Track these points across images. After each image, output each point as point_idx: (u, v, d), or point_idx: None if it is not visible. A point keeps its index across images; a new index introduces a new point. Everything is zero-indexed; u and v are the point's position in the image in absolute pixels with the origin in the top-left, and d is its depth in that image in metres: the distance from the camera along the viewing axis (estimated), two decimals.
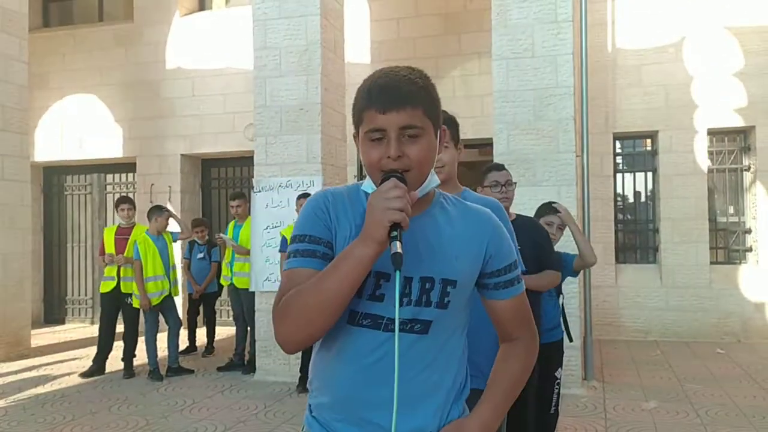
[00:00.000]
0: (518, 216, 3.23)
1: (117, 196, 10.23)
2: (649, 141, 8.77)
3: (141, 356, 6.70)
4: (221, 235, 7.10)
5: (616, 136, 8.72)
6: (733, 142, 8.49)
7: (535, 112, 5.88)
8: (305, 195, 5.97)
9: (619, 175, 8.88)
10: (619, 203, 8.90)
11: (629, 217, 8.96)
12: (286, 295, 1.25)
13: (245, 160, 9.07)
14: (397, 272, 1.16)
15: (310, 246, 1.30)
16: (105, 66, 10.04)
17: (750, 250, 8.26)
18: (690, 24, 8.22)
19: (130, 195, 9.97)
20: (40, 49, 10.02)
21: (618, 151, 8.86)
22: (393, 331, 1.25)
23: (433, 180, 1.36)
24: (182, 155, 9.71)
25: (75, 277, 10.58)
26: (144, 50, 9.91)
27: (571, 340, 3.95)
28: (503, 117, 5.95)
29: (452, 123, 2.34)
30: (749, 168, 8.28)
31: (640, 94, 8.44)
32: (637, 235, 8.88)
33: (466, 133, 8.53)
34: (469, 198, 2.39)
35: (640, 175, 8.89)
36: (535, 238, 3.15)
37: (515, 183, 3.38)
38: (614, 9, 8.60)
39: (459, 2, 8.79)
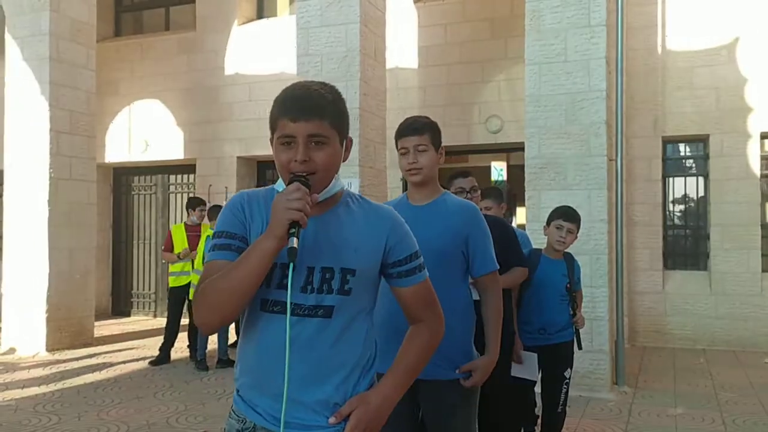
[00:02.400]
0: (486, 218, 3.34)
1: (179, 196, 10.84)
2: (700, 145, 8.57)
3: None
4: None
5: (666, 140, 8.56)
6: None
7: (567, 116, 5.91)
8: None
9: (669, 180, 8.71)
10: (668, 208, 8.73)
11: (678, 222, 8.78)
12: (203, 283, 1.46)
13: None
14: (291, 264, 1.35)
15: (226, 241, 1.50)
16: (169, 73, 10.63)
17: None
18: (742, 25, 8.00)
19: (191, 195, 10.56)
20: (112, 57, 10.72)
21: (668, 155, 8.70)
22: (300, 315, 1.46)
23: (338, 184, 1.55)
24: (238, 157, 10.17)
25: (140, 272, 11.22)
26: (205, 57, 10.44)
27: (580, 347, 3.99)
28: (535, 121, 6.02)
29: (432, 129, 2.51)
30: None
31: (690, 98, 8.27)
32: (686, 240, 8.69)
33: (510, 137, 8.65)
34: (449, 200, 2.57)
35: (690, 180, 8.70)
36: (499, 235, 3.23)
37: (480, 189, 3.43)
38: (664, 11, 8.46)
39: (506, 7, 8.84)
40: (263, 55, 10.04)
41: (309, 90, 1.48)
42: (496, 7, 8.92)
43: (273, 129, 1.50)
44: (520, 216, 10.17)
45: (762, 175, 8.06)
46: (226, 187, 10.09)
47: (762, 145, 8.07)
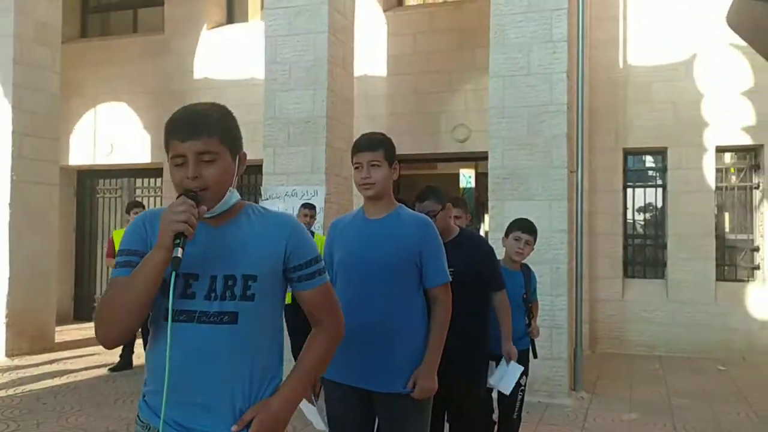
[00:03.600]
0: (461, 231, 3.41)
1: (146, 200, 10.75)
2: (659, 157, 8.82)
3: None
4: None
5: (627, 152, 8.79)
6: (743, 160, 8.50)
7: (530, 128, 6.05)
8: (308, 205, 6.26)
9: (629, 190, 8.95)
10: (628, 218, 8.96)
11: (638, 231, 9.01)
12: (101, 300, 1.53)
13: (260, 169, 9.43)
14: (173, 273, 1.44)
15: (127, 258, 1.57)
16: (136, 75, 10.54)
17: (757, 267, 8.25)
18: (700, 42, 8.26)
19: (158, 199, 10.50)
20: (78, 59, 10.58)
21: (629, 166, 8.94)
22: (207, 322, 1.54)
23: (234, 196, 1.62)
24: None
25: (104, 277, 11.09)
26: (173, 61, 10.38)
27: (535, 356, 4.10)
28: (498, 132, 6.15)
29: (386, 145, 2.57)
30: (758, 186, 8.27)
31: (650, 111, 8.51)
32: (645, 250, 8.93)
33: (477, 146, 8.78)
34: (403, 214, 2.64)
35: (650, 191, 8.96)
36: (476, 255, 3.31)
37: (448, 205, 3.44)
38: (626, 27, 8.69)
39: (473, 18, 8.97)
40: (233, 60, 10.04)
41: (195, 110, 1.57)
42: (463, 18, 9.06)
43: (166, 151, 1.57)
44: (488, 223, 10.33)
45: (717, 188, 8.33)
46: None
47: (717, 159, 8.34)
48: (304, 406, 2.70)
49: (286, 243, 1.65)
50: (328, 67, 6.72)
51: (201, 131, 1.52)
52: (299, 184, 6.73)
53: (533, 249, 4.05)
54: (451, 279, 2.62)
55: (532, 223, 4.00)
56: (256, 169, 9.89)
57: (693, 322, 8.20)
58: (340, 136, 7.03)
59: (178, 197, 1.52)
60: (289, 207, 6.69)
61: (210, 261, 1.56)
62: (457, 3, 9.64)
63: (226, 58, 10.08)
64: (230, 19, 10.67)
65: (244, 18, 10.69)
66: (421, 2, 10.07)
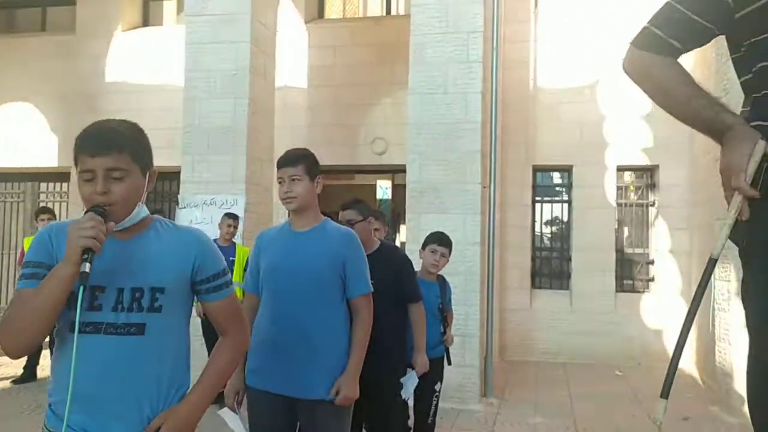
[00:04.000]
0: (382, 244, 3.56)
1: (52, 205, 10.28)
2: (566, 174, 9.33)
3: None
4: None
5: (536, 168, 9.25)
6: (640, 178, 9.12)
7: (446, 144, 6.29)
8: (231, 215, 6.22)
9: (537, 205, 9.41)
10: (536, 231, 9.41)
11: (546, 244, 9.48)
12: (8, 311, 1.55)
13: (176, 176, 9.26)
14: (81, 287, 1.48)
15: (33, 270, 1.60)
16: (43, 76, 10.10)
17: (652, 280, 8.85)
18: (603, 68, 8.80)
19: (64, 204, 10.08)
20: None
21: (538, 182, 9.40)
22: (114, 334, 1.59)
23: (142, 211, 1.68)
24: None
25: (6, 285, 10.51)
26: (83, 62, 10.03)
27: (449, 363, 4.29)
28: (416, 147, 6.35)
29: (307, 160, 2.67)
30: (654, 204, 8.90)
31: (557, 131, 8.99)
32: (551, 262, 9.40)
33: (394, 158, 8.98)
34: (329, 227, 2.74)
35: (557, 206, 9.45)
36: (396, 268, 3.47)
37: (368, 219, 3.60)
38: (536, 50, 9.16)
39: (393, 35, 9.18)
40: (147, 63, 9.81)
41: (107, 127, 1.62)
42: (383, 33, 9.27)
43: (76, 165, 1.61)
44: (404, 234, 10.55)
45: (617, 204, 8.90)
46: None
47: (617, 177, 8.91)
48: (227, 415, 2.74)
49: (194, 257, 1.71)
50: (250, 77, 6.73)
51: (112, 148, 1.56)
52: (218, 193, 6.69)
53: (448, 261, 4.25)
54: (372, 289, 2.75)
55: (447, 237, 4.19)
56: (173, 176, 9.75)
57: (594, 330, 8.69)
58: (261, 146, 7.05)
59: (85, 212, 1.55)
60: (207, 215, 6.64)
61: (117, 274, 1.60)
62: (376, 19, 9.86)
63: (141, 62, 9.84)
64: (145, 21, 10.43)
65: (160, 21, 10.49)
66: (342, 17, 10.22)
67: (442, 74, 6.32)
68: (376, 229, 4.20)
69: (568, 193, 9.24)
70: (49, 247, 1.63)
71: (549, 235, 9.53)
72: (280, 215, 8.73)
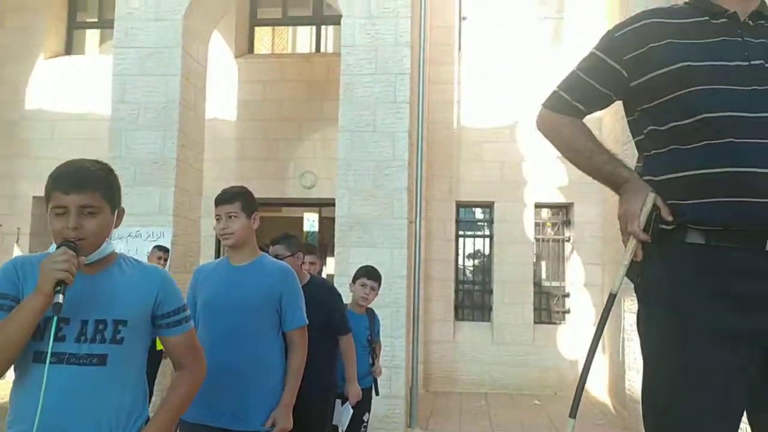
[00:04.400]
0: (312, 278, 3.68)
1: None
2: (487, 210, 9.72)
3: None
4: None
5: (459, 204, 9.60)
6: (557, 215, 9.62)
7: (374, 180, 6.49)
8: (161, 247, 6.18)
9: (461, 240, 9.74)
10: (460, 265, 9.73)
11: (468, 277, 9.80)
12: None
13: None
14: (55, 317, 1.56)
15: None
16: None
17: (568, 312, 9.29)
18: (522, 110, 9.28)
19: None
20: None
21: (461, 217, 9.75)
22: (75, 364, 1.66)
23: (109, 247, 1.78)
24: (34, 197, 9.50)
25: None
26: (3, 89, 9.72)
27: (377, 393, 4.42)
28: (346, 183, 6.52)
29: (243, 197, 2.78)
30: (569, 239, 9.40)
31: (480, 168, 9.39)
32: (474, 294, 9.72)
33: (323, 192, 9.13)
34: (266, 261, 2.85)
35: (479, 240, 9.81)
36: (326, 301, 3.60)
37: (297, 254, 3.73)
38: (460, 91, 9.59)
39: (323, 72, 9.41)
40: (70, 92, 9.61)
41: (82, 166, 1.72)
42: (313, 70, 9.47)
43: (47, 200, 1.70)
44: (331, 265, 10.64)
45: (535, 239, 9.34)
46: (18, 228, 9.38)
47: (535, 214, 9.37)
48: None
49: (156, 292, 1.80)
50: (179, 109, 6.75)
51: (85, 186, 1.66)
52: (144, 225, 6.61)
53: (377, 294, 4.41)
54: (307, 322, 2.86)
55: (376, 271, 4.36)
56: None
57: (514, 361, 9.02)
58: (189, 179, 7.04)
59: (58, 246, 1.62)
60: (132, 248, 6.54)
61: (82, 306, 1.67)
62: (306, 56, 10.07)
63: (63, 90, 9.63)
64: (68, 50, 10.24)
65: (83, 50, 10.33)
66: (271, 52, 10.38)
67: (371, 113, 6.55)
68: (312, 263, 4.34)
69: (490, 228, 9.62)
70: (14, 279, 1.68)
71: (472, 269, 9.86)
72: (208, 248, 8.69)
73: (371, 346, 4.29)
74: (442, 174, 9.37)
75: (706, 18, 1.65)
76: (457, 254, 9.61)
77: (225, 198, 2.77)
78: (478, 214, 9.91)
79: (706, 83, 1.56)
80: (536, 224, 9.39)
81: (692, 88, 1.57)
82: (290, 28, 11.01)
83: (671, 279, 1.59)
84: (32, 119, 9.64)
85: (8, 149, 9.61)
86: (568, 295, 9.33)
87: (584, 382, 1.63)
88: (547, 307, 9.43)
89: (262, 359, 2.72)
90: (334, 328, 3.67)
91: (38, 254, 1.78)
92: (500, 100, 9.41)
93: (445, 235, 9.39)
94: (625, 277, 1.68)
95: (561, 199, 9.27)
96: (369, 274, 4.28)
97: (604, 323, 1.66)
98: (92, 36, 10.59)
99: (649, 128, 1.69)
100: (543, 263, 9.60)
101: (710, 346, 1.51)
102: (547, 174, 9.20)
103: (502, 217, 9.32)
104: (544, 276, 9.56)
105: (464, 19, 9.88)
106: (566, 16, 9.72)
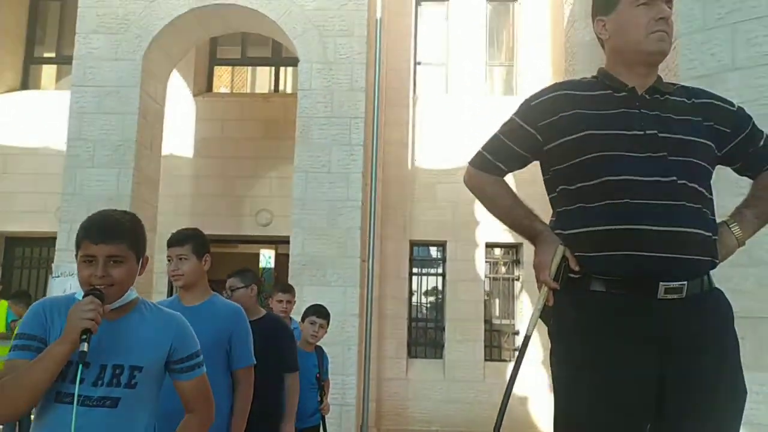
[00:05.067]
0: (267, 314, 3.80)
1: None
2: (440, 249, 9.94)
3: None
4: None
5: (413, 243, 9.79)
6: (507, 255, 9.90)
7: (328, 220, 6.65)
8: None
9: (414, 278, 9.91)
10: (413, 302, 9.88)
11: (422, 315, 9.95)
12: (4, 379, 1.70)
13: (52, 241, 8.96)
14: (80, 364, 1.68)
15: (26, 342, 1.77)
16: None
17: (517, 349, 9.49)
18: (473, 152, 9.59)
19: None
20: None
21: (415, 255, 9.94)
22: (90, 405, 1.76)
23: (132, 294, 1.89)
24: None
25: None
26: None
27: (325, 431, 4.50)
28: (300, 222, 6.67)
29: (194, 239, 2.89)
30: (519, 278, 9.67)
31: (433, 208, 9.63)
32: (427, 332, 9.87)
33: (279, 230, 9.22)
34: (217, 302, 2.95)
35: (432, 279, 10.00)
36: (275, 338, 3.70)
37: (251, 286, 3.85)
38: (414, 133, 9.87)
39: (280, 112, 9.59)
40: (24, 127, 9.55)
41: (111, 217, 1.84)
42: (271, 110, 9.65)
43: (78, 248, 1.81)
44: None
45: (486, 278, 9.58)
46: None
47: (487, 253, 9.63)
48: None
49: (172, 339, 1.90)
50: (135, 147, 6.83)
51: (113, 236, 1.76)
52: None
53: (326, 332, 4.52)
54: (255, 362, 2.96)
55: (325, 309, 4.48)
56: (46, 241, 9.41)
57: (465, 398, 9.14)
58: (144, 216, 7.00)
59: (85, 294, 1.73)
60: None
61: (102, 351, 1.76)
62: (265, 96, 10.26)
63: (17, 124, 9.57)
64: (24, 84, 10.21)
65: (38, 85, 10.32)
66: (230, 91, 10.54)
67: (326, 155, 6.74)
68: (288, 302, 4.49)
69: (443, 266, 9.83)
70: (43, 321, 1.78)
71: (425, 306, 10.02)
72: (161, 285, 8.65)
73: (320, 383, 4.38)
74: (396, 213, 9.58)
75: (610, 91, 1.88)
76: (410, 292, 9.77)
77: (176, 240, 2.88)
78: (432, 252, 10.12)
79: (607, 149, 1.78)
80: (487, 263, 9.64)
81: (595, 154, 1.78)
82: (250, 68, 11.22)
83: (578, 322, 1.78)
84: None
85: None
86: (518, 333, 9.55)
87: (501, 422, 1.80)
88: (498, 344, 9.63)
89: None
90: (281, 364, 3.75)
91: (64, 296, 1.87)
92: (453, 142, 9.72)
93: (398, 273, 9.55)
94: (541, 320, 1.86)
95: (510, 239, 9.53)
96: (318, 313, 4.39)
97: (520, 363, 1.85)
98: (49, 71, 10.60)
99: (560, 187, 1.90)
100: (494, 301, 9.82)
101: (610, 380, 1.70)
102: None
103: (454, 256, 9.54)
104: (495, 314, 9.78)
105: (419, 64, 10.23)
106: (516, 64, 10.17)
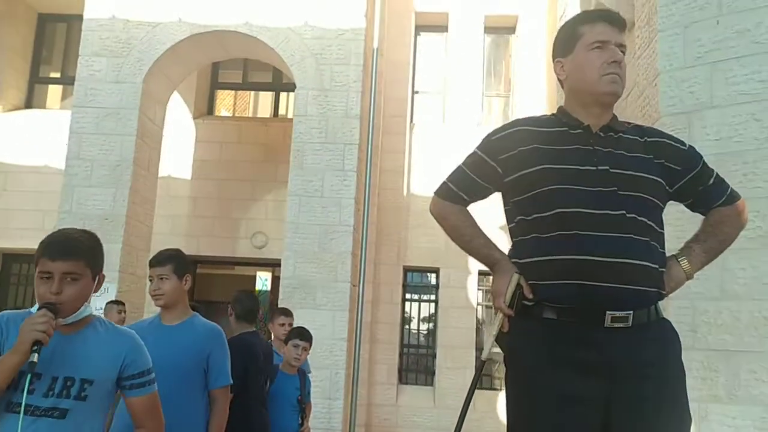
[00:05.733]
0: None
1: None
2: (433, 275, 10.00)
3: None
4: None
5: (406, 269, 9.86)
6: None
7: (320, 244, 6.74)
8: (116, 302, 6.23)
9: (407, 303, 9.96)
10: (405, 328, 9.91)
11: (413, 341, 9.97)
12: None
13: None
14: (29, 375, 1.75)
15: None
16: None
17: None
18: None
19: None
20: None
21: (408, 281, 10.00)
22: (37, 415, 1.82)
23: (87, 310, 1.96)
24: None
25: None
26: None
27: None
28: (292, 245, 6.75)
29: (175, 260, 2.97)
30: None
31: (426, 235, 9.67)
32: (418, 358, 9.88)
33: (274, 253, 9.30)
34: (197, 322, 3.03)
35: (424, 305, 10.04)
36: (242, 357, 3.77)
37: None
38: (410, 159, 9.99)
39: (278, 136, 9.73)
40: (27, 145, 9.70)
41: (69, 235, 1.92)
42: (269, 134, 9.79)
43: (36, 265, 1.89)
44: None
45: (478, 304, 9.63)
46: None
47: (479, 280, 9.68)
48: None
49: (125, 355, 1.97)
50: (133, 168, 6.96)
51: (70, 254, 1.84)
52: None
53: (308, 354, 4.59)
54: (231, 382, 3.02)
55: (308, 331, 4.54)
56: None
57: (454, 426, 9.10)
58: (138, 235, 7.17)
59: (39, 308, 1.81)
60: None
61: (54, 363, 1.84)
62: (264, 120, 10.42)
63: (20, 143, 9.72)
64: (29, 103, 10.39)
65: (43, 104, 10.49)
66: (232, 115, 10.70)
67: (320, 180, 6.85)
68: (289, 324, 4.57)
69: (436, 293, 9.88)
70: None
71: (417, 332, 10.05)
72: (153, 303, 8.70)
73: (301, 406, 4.42)
74: (390, 239, 9.65)
75: (566, 128, 1.97)
76: (403, 318, 9.80)
77: (157, 260, 2.96)
78: (425, 278, 10.18)
79: (560, 183, 1.87)
80: (479, 290, 9.69)
81: (549, 187, 1.87)
82: (252, 93, 11.41)
83: (529, 348, 1.86)
84: None
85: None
86: None
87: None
88: (489, 372, 9.63)
89: (187, 417, 2.86)
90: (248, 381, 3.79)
91: (23, 311, 1.94)
92: (448, 170, 9.70)
93: (391, 298, 9.59)
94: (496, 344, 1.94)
95: None
96: (301, 335, 4.45)
97: (475, 386, 1.92)
98: (54, 91, 10.78)
99: (518, 218, 1.99)
100: (486, 329, 9.84)
101: (558, 405, 1.77)
102: (499, 244, 9.53)
103: (447, 283, 9.59)
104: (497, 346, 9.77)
105: (416, 93, 10.40)
106: (512, 95, 10.34)
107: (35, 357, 1.73)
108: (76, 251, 1.88)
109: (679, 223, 3.92)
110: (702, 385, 3.72)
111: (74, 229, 1.97)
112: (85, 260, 1.89)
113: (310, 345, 4.47)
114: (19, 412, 1.80)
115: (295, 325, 4.75)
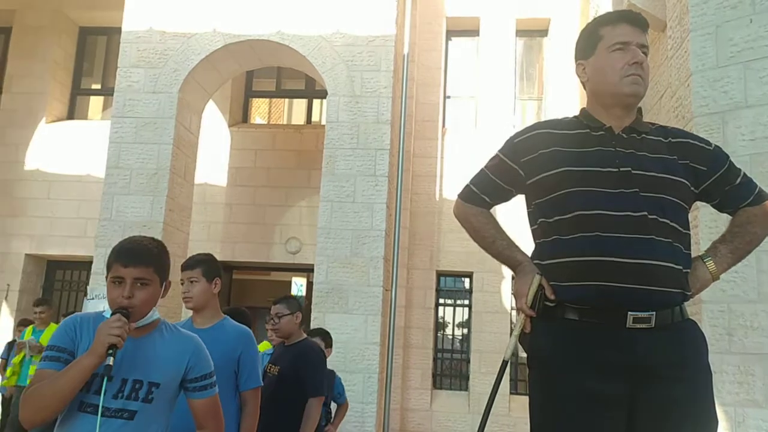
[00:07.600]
0: (305, 339, 3.94)
1: None
2: (467, 280, 9.98)
3: None
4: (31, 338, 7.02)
5: (439, 273, 9.85)
6: None
7: (352, 249, 6.80)
8: None
9: (441, 308, 9.95)
10: (439, 333, 9.90)
11: (447, 346, 9.95)
12: (32, 387, 1.86)
13: (90, 265, 9.30)
14: (105, 378, 1.84)
15: (55, 353, 1.92)
16: None
17: None
18: None
19: None
20: None
21: (441, 286, 9.99)
22: (107, 416, 1.90)
23: (154, 315, 2.05)
24: (27, 255, 9.76)
25: None
26: (4, 150, 10.12)
27: None
28: (324, 251, 6.82)
29: (205, 263, 3.05)
30: None
31: (459, 239, 9.63)
32: (452, 363, 9.86)
33: (308, 258, 9.39)
34: (227, 325, 3.10)
35: (458, 310, 10.01)
36: (301, 360, 3.82)
37: (291, 314, 4.00)
38: (442, 164, 9.99)
39: (312, 143, 9.85)
40: (69, 155, 10.00)
41: (140, 243, 2.02)
42: (303, 141, 9.91)
43: (108, 270, 1.98)
44: None
45: (512, 308, 9.56)
46: (8, 285, 9.58)
47: (512, 284, 9.60)
48: None
49: (188, 358, 2.05)
50: (169, 176, 7.12)
51: (141, 260, 1.94)
52: None
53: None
54: (262, 384, 3.08)
55: (328, 333, 4.65)
56: (86, 265, 9.76)
57: (489, 431, 9.06)
58: (175, 242, 7.32)
59: (113, 313, 1.90)
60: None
61: (124, 366, 1.92)
62: (297, 127, 10.54)
63: (62, 152, 10.03)
64: (71, 114, 10.71)
65: (85, 115, 10.80)
66: (267, 122, 10.86)
67: (351, 185, 6.91)
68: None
69: (469, 297, 9.85)
70: (73, 336, 1.95)
71: (451, 337, 10.03)
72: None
73: (327, 407, 4.48)
74: (423, 244, 9.66)
75: (588, 130, 1.98)
76: (437, 322, 9.79)
77: (188, 264, 3.05)
78: (458, 283, 10.15)
79: (582, 185, 1.87)
80: (513, 295, 9.60)
81: (570, 189, 1.88)
82: (287, 100, 11.56)
83: (551, 349, 1.87)
84: (29, 179, 10.00)
85: (4, 208, 9.92)
86: None
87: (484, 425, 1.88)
88: (524, 377, 9.54)
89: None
90: (307, 388, 3.84)
91: (93, 313, 2.04)
92: (466, 175, 9.78)
93: (425, 303, 9.60)
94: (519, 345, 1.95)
95: None
96: (323, 336, 4.57)
97: (498, 385, 1.93)
98: (96, 102, 11.10)
99: (540, 220, 2.00)
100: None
101: (581, 405, 1.77)
102: (523, 246, 9.46)
103: (481, 287, 9.56)
104: (520, 346, 9.69)
105: (448, 97, 10.40)
106: (545, 98, 10.27)
107: (111, 360, 1.81)
108: (146, 258, 1.97)
109: (714, 225, 3.87)
110: (739, 389, 3.65)
111: (144, 237, 2.07)
112: (155, 266, 1.98)
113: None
114: (90, 413, 1.88)
115: (327, 329, 4.82)
